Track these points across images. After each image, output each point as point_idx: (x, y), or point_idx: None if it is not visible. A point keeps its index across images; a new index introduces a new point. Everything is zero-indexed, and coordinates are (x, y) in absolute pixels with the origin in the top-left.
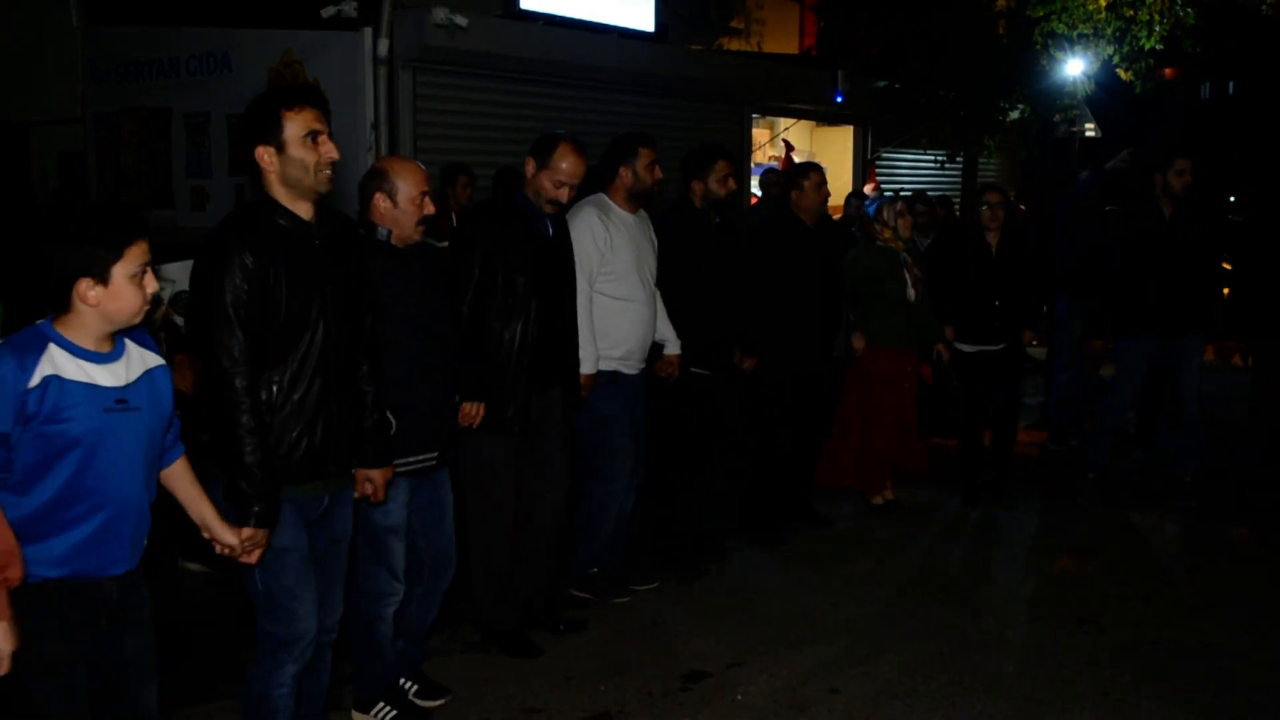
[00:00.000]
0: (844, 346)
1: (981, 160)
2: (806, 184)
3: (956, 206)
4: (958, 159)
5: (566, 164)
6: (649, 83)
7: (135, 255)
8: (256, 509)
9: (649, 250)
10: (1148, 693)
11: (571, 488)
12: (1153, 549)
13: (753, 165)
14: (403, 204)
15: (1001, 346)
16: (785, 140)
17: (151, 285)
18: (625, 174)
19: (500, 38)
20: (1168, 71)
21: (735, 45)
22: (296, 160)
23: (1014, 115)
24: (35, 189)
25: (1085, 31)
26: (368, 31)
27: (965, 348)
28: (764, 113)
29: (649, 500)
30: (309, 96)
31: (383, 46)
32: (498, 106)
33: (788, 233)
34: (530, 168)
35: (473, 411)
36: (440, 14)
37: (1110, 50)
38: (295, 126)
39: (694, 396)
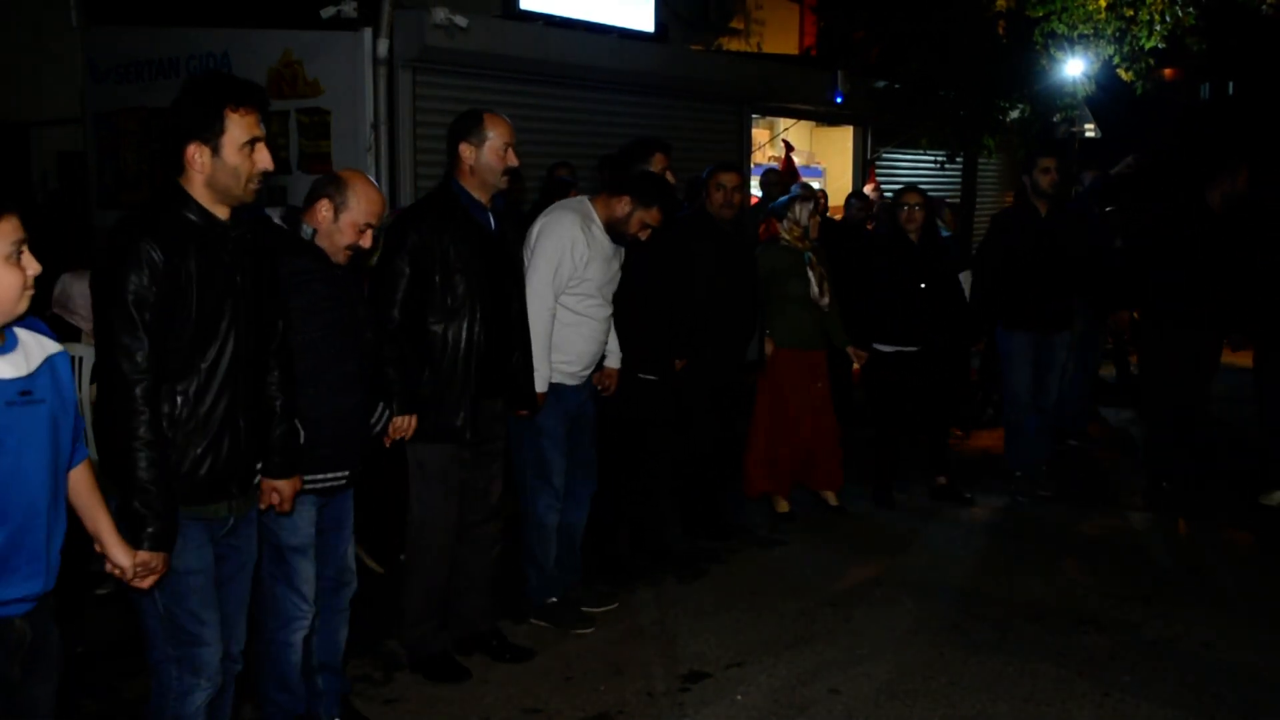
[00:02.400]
0: (758, 350)
1: (981, 160)
2: (711, 183)
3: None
4: (957, 159)
5: (506, 130)
6: (649, 83)
7: (3, 233)
8: (151, 530)
9: (616, 267)
10: (1148, 693)
11: (510, 505)
12: (1152, 549)
13: (752, 165)
14: (343, 223)
15: (919, 348)
16: (785, 140)
17: (32, 267)
18: (623, 208)
19: (500, 38)
20: (1167, 72)
21: (735, 45)
22: (230, 167)
23: (1014, 115)
24: (35, 189)
25: (1085, 32)
26: (368, 32)
27: (884, 348)
28: (764, 113)
29: (610, 512)
30: (255, 96)
31: (382, 47)
32: (498, 107)
33: (699, 233)
34: (467, 152)
35: (404, 425)
36: (440, 14)
37: (1110, 50)
38: (238, 131)
39: (640, 404)
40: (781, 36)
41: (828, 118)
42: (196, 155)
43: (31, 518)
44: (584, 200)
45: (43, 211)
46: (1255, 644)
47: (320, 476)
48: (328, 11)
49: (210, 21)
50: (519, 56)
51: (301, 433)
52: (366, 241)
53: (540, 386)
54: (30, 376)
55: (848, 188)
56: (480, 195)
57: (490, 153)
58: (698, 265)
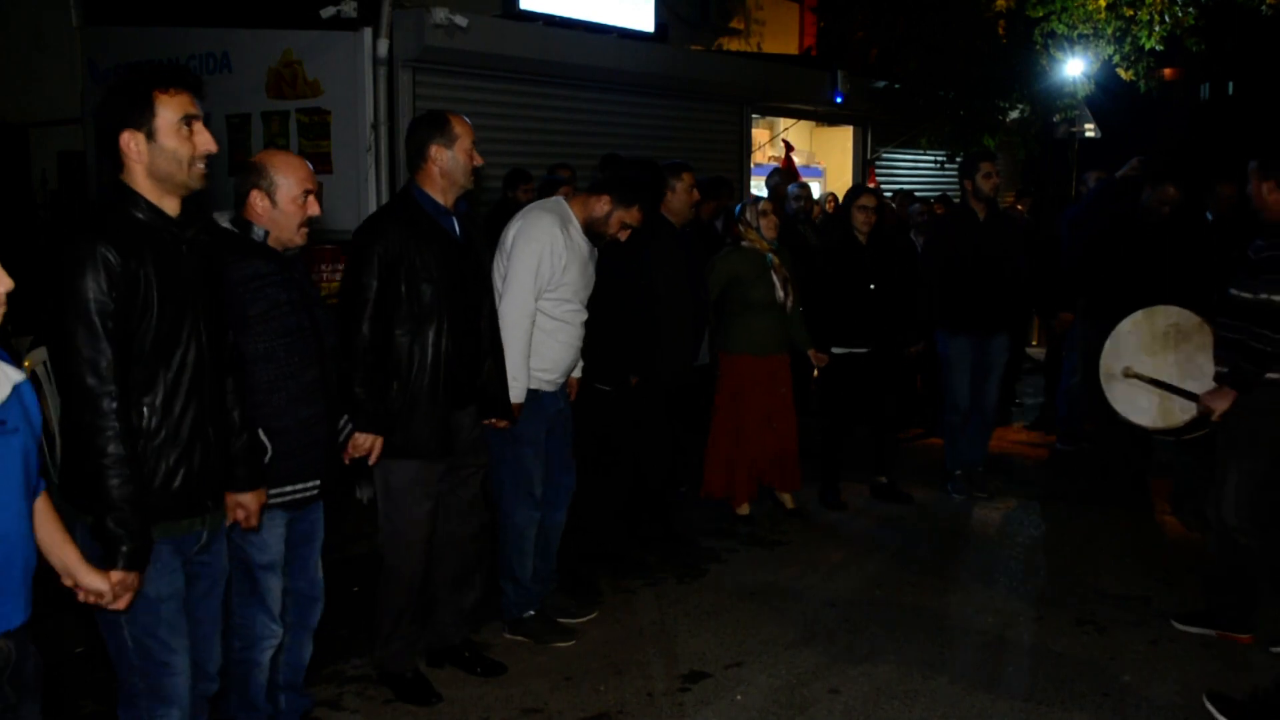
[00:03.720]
0: (708, 353)
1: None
2: (679, 185)
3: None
4: (957, 159)
5: (466, 131)
6: (649, 83)
7: None
8: (125, 549)
9: (592, 270)
10: (1148, 693)
11: (488, 516)
12: (1153, 549)
13: (752, 165)
14: (282, 203)
15: (869, 349)
16: (785, 140)
17: (4, 283)
18: (602, 206)
19: (500, 38)
20: (1167, 72)
21: (735, 45)
22: (169, 151)
23: (1014, 115)
24: (35, 189)
25: (1085, 31)
26: (367, 31)
27: (836, 350)
28: (764, 113)
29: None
30: (183, 78)
31: (382, 46)
32: (497, 107)
33: (655, 237)
34: (437, 153)
35: (366, 444)
36: (440, 14)
37: (1110, 50)
38: (169, 111)
39: (602, 412)
40: (781, 36)
41: (828, 118)
42: (132, 144)
43: (9, 548)
44: (560, 201)
45: (42, 211)
46: (1255, 644)
47: (288, 489)
48: (328, 11)
49: (210, 21)
50: (519, 56)
51: (268, 446)
52: (314, 209)
53: (518, 396)
54: (3, 406)
55: (847, 188)
56: (444, 199)
57: (462, 152)
58: (656, 270)
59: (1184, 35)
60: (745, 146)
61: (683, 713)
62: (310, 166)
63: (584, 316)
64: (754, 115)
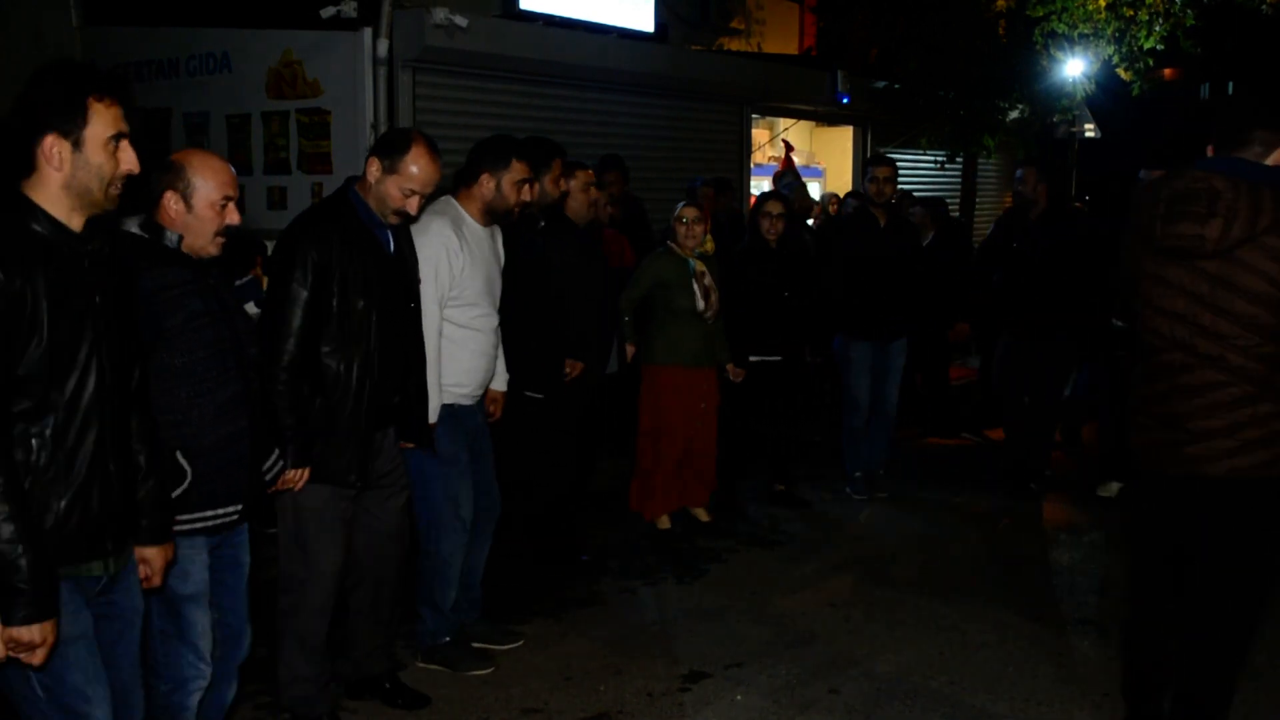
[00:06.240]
0: (618, 362)
1: (981, 160)
2: (574, 185)
3: (955, 209)
4: (957, 159)
5: (419, 168)
6: (649, 83)
7: None
8: (22, 601)
9: (497, 270)
10: None
11: (407, 542)
12: None
13: (752, 165)
14: (199, 208)
15: (780, 358)
16: (785, 140)
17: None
18: (486, 183)
19: (500, 38)
20: (1167, 72)
21: (735, 45)
22: (94, 166)
23: (1014, 115)
24: None
25: (1085, 31)
26: (367, 31)
27: (750, 358)
28: (764, 113)
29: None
30: (120, 88)
31: (382, 47)
32: (497, 107)
33: (559, 239)
34: (374, 169)
35: (295, 478)
36: (440, 14)
37: (1110, 50)
38: (102, 124)
39: (530, 421)
40: (781, 36)
41: (828, 118)
42: (55, 150)
43: None
44: (449, 200)
45: None
46: (1254, 643)
47: (209, 514)
48: (328, 11)
49: (210, 21)
50: (519, 56)
51: (188, 470)
52: (234, 217)
53: (432, 416)
54: None
55: (848, 188)
56: (379, 213)
57: (394, 185)
58: (568, 275)
59: (1182, 36)
60: (745, 147)
61: (683, 713)
62: (233, 171)
63: (494, 322)
64: (754, 115)
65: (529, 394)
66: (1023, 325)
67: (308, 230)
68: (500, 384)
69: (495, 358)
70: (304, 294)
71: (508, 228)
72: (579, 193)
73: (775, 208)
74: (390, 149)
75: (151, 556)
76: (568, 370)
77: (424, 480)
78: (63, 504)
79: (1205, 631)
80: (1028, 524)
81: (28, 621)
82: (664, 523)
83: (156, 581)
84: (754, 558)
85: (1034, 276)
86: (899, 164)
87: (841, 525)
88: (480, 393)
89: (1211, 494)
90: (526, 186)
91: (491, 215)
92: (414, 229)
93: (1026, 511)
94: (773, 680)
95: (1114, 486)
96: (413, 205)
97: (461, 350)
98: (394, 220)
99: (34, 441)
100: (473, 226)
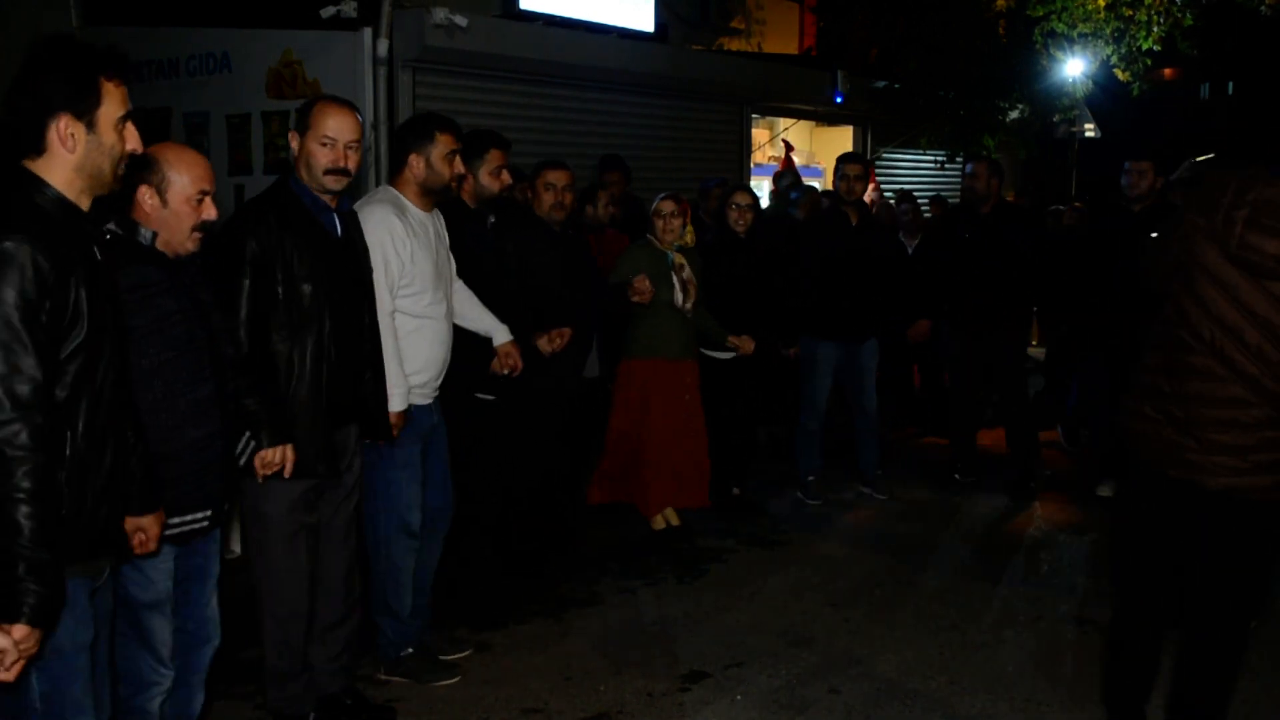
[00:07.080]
0: (598, 364)
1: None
2: (539, 183)
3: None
4: (957, 159)
5: (326, 115)
6: (649, 83)
7: None
8: (31, 602)
9: (445, 254)
10: None
11: (357, 546)
12: None
13: (752, 165)
14: (174, 203)
15: (731, 355)
16: (785, 140)
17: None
18: (415, 163)
19: (500, 38)
20: (1166, 72)
21: (735, 45)
22: (106, 146)
23: (1014, 115)
24: None
25: (1085, 31)
26: (367, 31)
27: (719, 355)
28: (764, 113)
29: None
30: (127, 68)
31: (382, 47)
32: (497, 106)
33: (532, 239)
34: (294, 142)
35: (277, 458)
36: (440, 14)
37: (1109, 50)
38: (114, 104)
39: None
40: (781, 36)
41: (828, 118)
42: (69, 132)
43: None
44: (388, 188)
45: None
46: (1256, 642)
47: (175, 521)
48: (328, 11)
49: (210, 21)
50: (519, 56)
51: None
52: (210, 212)
53: (397, 405)
54: None
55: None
56: (323, 194)
57: (315, 143)
58: (538, 274)
59: (1179, 37)
60: (745, 146)
61: (683, 713)
62: (210, 165)
63: (445, 308)
64: (754, 115)
65: (479, 395)
66: (968, 313)
67: (245, 220)
68: (503, 336)
69: (450, 345)
70: (246, 283)
71: (454, 222)
72: (544, 191)
73: (743, 199)
74: (298, 117)
75: (147, 524)
76: (544, 346)
77: (373, 483)
78: (92, 497)
79: (1205, 631)
80: (1027, 524)
81: (32, 623)
82: (658, 523)
83: (152, 546)
84: (754, 558)
85: (986, 265)
86: (898, 164)
87: (841, 526)
88: (437, 385)
89: (1211, 503)
90: (458, 158)
91: (430, 194)
92: (359, 216)
93: (1027, 511)
94: (773, 680)
95: (1113, 486)
96: (338, 155)
97: (418, 339)
98: (333, 186)
99: (69, 434)
100: (415, 212)
